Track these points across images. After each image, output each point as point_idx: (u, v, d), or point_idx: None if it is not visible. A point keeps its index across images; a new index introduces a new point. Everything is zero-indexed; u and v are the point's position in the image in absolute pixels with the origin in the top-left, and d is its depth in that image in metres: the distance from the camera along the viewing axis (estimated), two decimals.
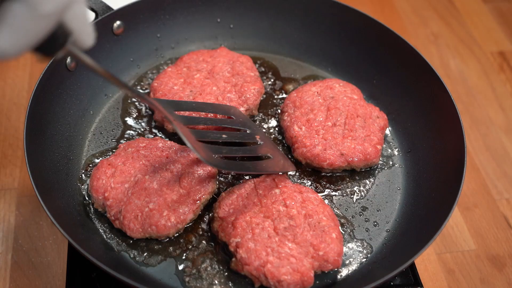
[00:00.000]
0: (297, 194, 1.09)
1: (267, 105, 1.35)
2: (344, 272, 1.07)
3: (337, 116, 1.23)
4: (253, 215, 1.05)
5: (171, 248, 1.07)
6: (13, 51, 0.63)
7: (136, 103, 1.32)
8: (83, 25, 0.74)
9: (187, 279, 1.03)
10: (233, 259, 1.01)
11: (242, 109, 1.25)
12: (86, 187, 1.15)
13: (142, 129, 1.28)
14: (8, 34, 0.61)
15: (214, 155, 1.02)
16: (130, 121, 1.29)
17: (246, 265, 0.98)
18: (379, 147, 1.21)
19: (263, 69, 1.44)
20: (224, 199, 1.09)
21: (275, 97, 1.38)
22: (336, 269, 1.04)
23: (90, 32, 0.77)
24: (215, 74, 1.31)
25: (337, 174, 1.22)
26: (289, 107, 1.27)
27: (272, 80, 1.42)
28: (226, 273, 1.04)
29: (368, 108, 1.26)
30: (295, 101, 1.27)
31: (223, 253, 1.06)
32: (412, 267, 1.12)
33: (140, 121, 1.29)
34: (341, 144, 1.18)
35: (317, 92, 1.28)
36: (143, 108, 1.31)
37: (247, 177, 1.19)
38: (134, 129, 1.28)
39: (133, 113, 1.30)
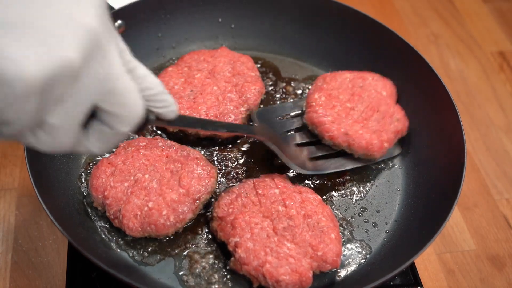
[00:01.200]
0: (296, 194, 1.09)
1: (267, 105, 1.36)
2: (343, 272, 1.07)
3: (358, 103, 1.24)
4: (252, 215, 1.05)
5: (170, 247, 1.07)
6: (103, 152, 0.74)
7: None
8: (163, 108, 0.82)
9: (185, 278, 1.03)
10: (232, 258, 1.01)
11: (242, 109, 1.25)
12: (86, 186, 1.15)
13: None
14: (96, 143, 0.72)
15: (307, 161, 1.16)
16: None
17: (245, 265, 0.98)
18: (386, 144, 1.20)
19: (264, 69, 1.44)
20: (223, 198, 1.09)
21: (276, 97, 1.38)
22: (335, 270, 1.04)
23: (173, 110, 0.83)
24: (215, 74, 1.31)
25: (337, 175, 1.22)
26: (319, 81, 1.30)
27: (273, 80, 1.42)
28: (225, 273, 1.04)
29: (392, 108, 1.25)
30: (326, 77, 1.30)
31: (222, 252, 1.06)
32: (412, 267, 1.12)
33: None
34: (351, 125, 1.19)
35: (349, 79, 1.29)
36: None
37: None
38: None
39: None
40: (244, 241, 1.00)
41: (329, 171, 1.19)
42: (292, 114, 1.29)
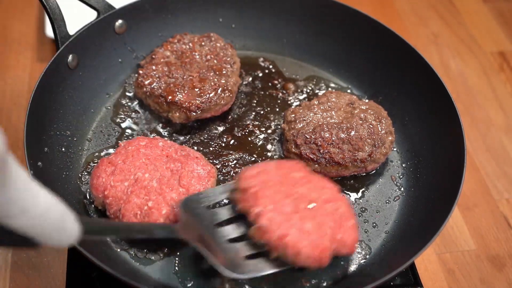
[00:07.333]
0: (316, 180, 1.07)
1: (268, 104, 1.36)
2: (342, 273, 1.07)
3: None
4: (275, 190, 1.01)
5: (170, 247, 1.07)
6: None
7: (136, 103, 1.33)
8: None
9: (186, 278, 1.03)
10: (253, 226, 0.97)
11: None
12: (86, 185, 1.15)
13: (143, 128, 1.28)
14: None
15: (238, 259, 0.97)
16: (131, 120, 1.29)
17: (267, 233, 0.95)
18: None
19: (266, 65, 1.45)
20: (247, 171, 1.04)
21: (278, 96, 1.38)
22: (334, 270, 1.04)
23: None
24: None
25: (336, 176, 1.22)
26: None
27: (274, 79, 1.42)
28: None
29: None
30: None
31: None
32: (412, 267, 1.12)
33: (140, 119, 1.29)
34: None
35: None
36: (143, 106, 1.32)
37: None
38: (134, 127, 1.28)
39: (134, 112, 1.31)
40: (268, 211, 0.97)
41: (267, 272, 0.97)
42: (224, 201, 1.08)
